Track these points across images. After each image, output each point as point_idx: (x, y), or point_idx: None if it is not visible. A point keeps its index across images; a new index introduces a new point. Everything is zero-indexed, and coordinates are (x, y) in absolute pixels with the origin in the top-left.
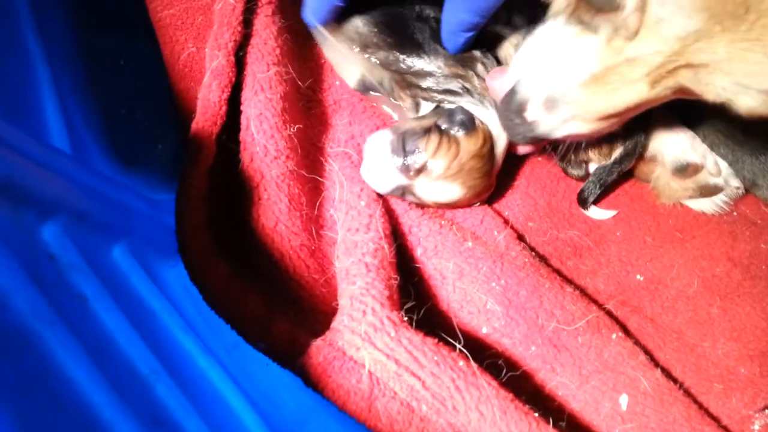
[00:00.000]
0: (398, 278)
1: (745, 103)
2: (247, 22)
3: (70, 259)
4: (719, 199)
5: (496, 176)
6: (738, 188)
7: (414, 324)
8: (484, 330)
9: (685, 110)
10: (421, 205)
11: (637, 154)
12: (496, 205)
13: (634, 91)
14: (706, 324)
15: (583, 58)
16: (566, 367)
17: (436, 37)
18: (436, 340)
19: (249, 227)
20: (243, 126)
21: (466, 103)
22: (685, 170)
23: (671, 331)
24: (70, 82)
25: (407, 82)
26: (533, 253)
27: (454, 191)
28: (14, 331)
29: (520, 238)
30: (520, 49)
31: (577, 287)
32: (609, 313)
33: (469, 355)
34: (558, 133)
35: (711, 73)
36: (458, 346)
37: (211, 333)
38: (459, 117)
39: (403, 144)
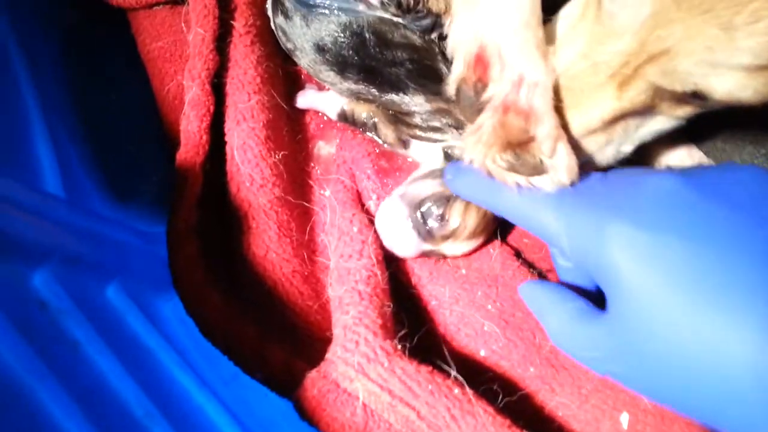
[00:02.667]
0: (392, 305)
1: (720, 86)
2: (225, 52)
3: (62, 305)
4: None
5: None
6: None
7: (408, 351)
8: (482, 353)
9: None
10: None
11: None
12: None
13: (602, 98)
14: None
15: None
16: (565, 387)
17: (412, 76)
18: (431, 368)
19: (241, 256)
20: (228, 156)
21: (455, 141)
22: None
23: None
24: (62, 120)
25: (393, 117)
26: (531, 270)
27: (479, 241)
28: (3, 386)
29: (517, 254)
30: None
31: None
32: None
33: (464, 381)
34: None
35: (672, 59)
36: (453, 372)
37: (208, 365)
38: None
39: (421, 215)
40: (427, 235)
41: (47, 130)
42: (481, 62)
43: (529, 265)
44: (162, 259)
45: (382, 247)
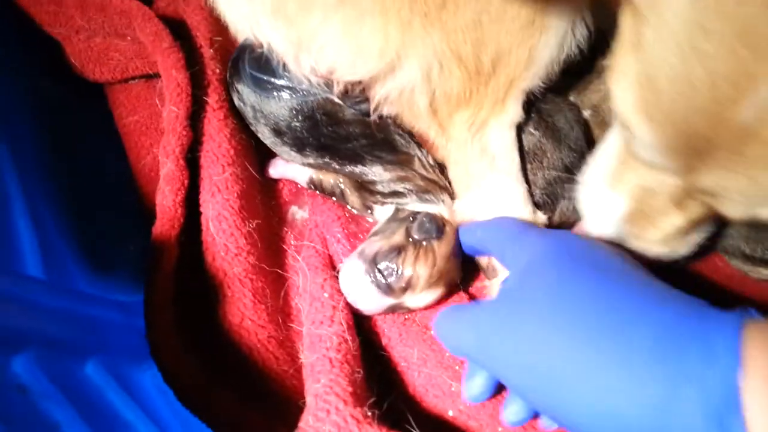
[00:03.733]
0: (362, 372)
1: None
2: (198, 127)
3: (42, 388)
4: None
5: None
6: None
7: (378, 418)
8: (450, 413)
9: None
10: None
11: None
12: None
13: (670, 215)
14: None
15: (617, 200)
16: None
17: (367, 149)
18: None
19: (217, 324)
20: (203, 227)
21: (416, 203)
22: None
23: None
24: (41, 192)
25: (358, 184)
26: None
27: (439, 292)
28: None
29: None
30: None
31: None
32: None
33: None
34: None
35: (719, 198)
36: None
37: None
38: (428, 225)
39: (377, 270)
40: (387, 288)
41: (27, 201)
42: None
43: None
44: (140, 330)
45: (353, 311)
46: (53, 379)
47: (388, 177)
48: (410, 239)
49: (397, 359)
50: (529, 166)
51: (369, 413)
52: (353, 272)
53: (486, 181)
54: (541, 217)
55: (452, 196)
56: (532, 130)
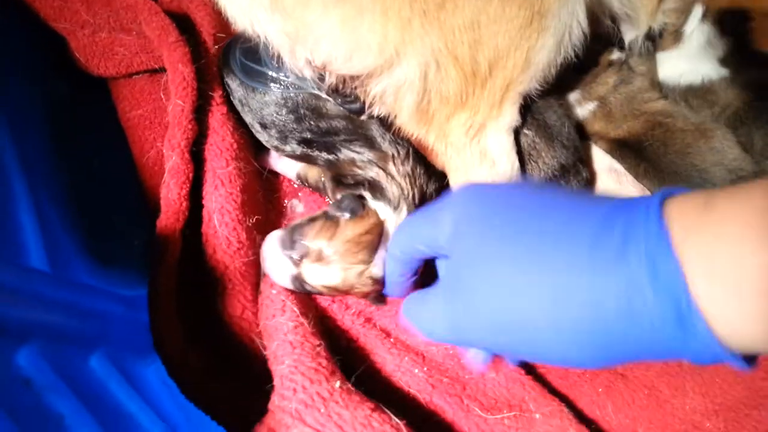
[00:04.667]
0: (323, 345)
1: None
2: (203, 120)
3: (46, 381)
4: None
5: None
6: None
7: (346, 392)
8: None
9: None
10: (320, 294)
11: None
12: None
13: None
14: (677, 377)
15: None
16: None
17: (347, 143)
18: (369, 412)
19: (218, 316)
20: (205, 219)
21: (370, 198)
22: None
23: (643, 387)
24: (46, 187)
25: (337, 180)
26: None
27: (334, 274)
28: None
29: None
30: None
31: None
32: (545, 383)
33: (402, 426)
34: None
35: None
36: (392, 417)
37: (192, 427)
38: (346, 202)
39: (291, 237)
40: (290, 256)
41: (31, 196)
42: None
43: None
44: (143, 324)
45: (302, 303)
46: (58, 372)
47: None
48: (327, 213)
49: (363, 340)
50: (527, 167)
51: (337, 386)
52: (271, 239)
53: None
54: None
55: (409, 209)
56: (525, 130)
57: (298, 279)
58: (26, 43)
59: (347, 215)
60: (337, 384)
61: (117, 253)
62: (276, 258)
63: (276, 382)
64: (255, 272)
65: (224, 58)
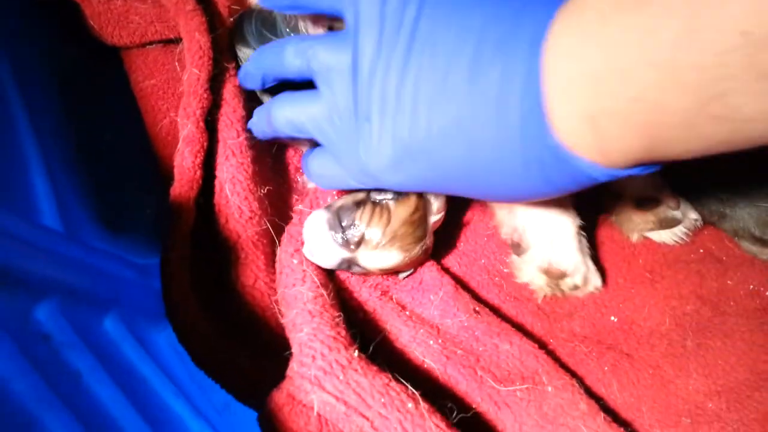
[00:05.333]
0: (342, 318)
1: None
2: (217, 91)
3: (64, 337)
4: (679, 230)
5: (433, 238)
6: (696, 220)
7: (364, 361)
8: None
9: None
10: (366, 274)
11: None
12: (437, 267)
13: None
14: (681, 358)
15: None
16: (507, 424)
17: None
18: (387, 381)
19: (230, 286)
20: (216, 189)
21: None
22: (646, 204)
23: (647, 366)
24: (58, 155)
25: None
26: (475, 308)
27: (393, 257)
28: (15, 416)
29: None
30: None
31: (527, 335)
32: (555, 358)
33: (418, 396)
34: None
35: None
36: (408, 387)
37: (202, 395)
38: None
39: (339, 220)
40: (343, 240)
41: (43, 163)
42: None
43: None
44: (155, 291)
45: (323, 274)
46: (75, 328)
47: None
48: (370, 197)
49: (380, 315)
50: None
51: (356, 355)
52: (316, 220)
53: None
54: None
55: None
56: None
57: (349, 263)
58: (39, 11)
59: (392, 198)
60: (356, 353)
61: (128, 221)
62: (324, 241)
63: (294, 349)
64: (267, 242)
65: (239, 28)
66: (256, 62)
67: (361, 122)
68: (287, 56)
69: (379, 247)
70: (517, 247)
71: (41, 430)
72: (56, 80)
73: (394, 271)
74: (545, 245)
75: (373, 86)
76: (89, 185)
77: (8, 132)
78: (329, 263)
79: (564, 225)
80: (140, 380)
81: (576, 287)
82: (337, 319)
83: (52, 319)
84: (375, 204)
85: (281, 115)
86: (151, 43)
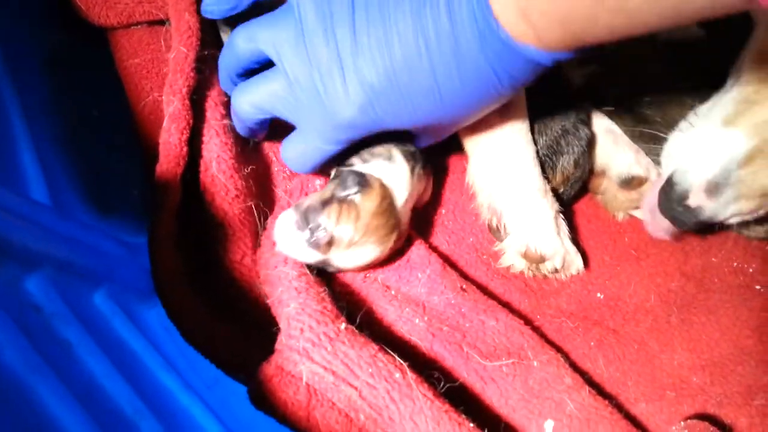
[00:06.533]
0: (327, 292)
1: None
2: (203, 72)
3: (55, 309)
4: None
5: (410, 223)
6: None
7: (351, 333)
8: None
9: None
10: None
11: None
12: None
13: None
14: (666, 333)
15: (737, 139)
16: (493, 399)
17: None
18: (374, 352)
19: (218, 262)
20: (202, 168)
21: (368, 163)
22: (630, 183)
23: (633, 342)
24: (46, 134)
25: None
26: (462, 285)
27: (369, 252)
28: (7, 383)
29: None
30: (667, 146)
31: (513, 311)
32: (541, 334)
33: (406, 367)
34: (722, 215)
35: None
36: (397, 358)
37: (192, 370)
38: (350, 180)
39: (306, 221)
40: (314, 243)
41: (32, 142)
42: None
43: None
44: (145, 269)
45: None
46: (65, 300)
47: None
48: (335, 195)
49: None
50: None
51: (342, 327)
52: (285, 222)
53: (495, 137)
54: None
55: (403, 153)
56: None
57: (324, 263)
58: None
59: (357, 192)
60: (343, 326)
61: (116, 201)
62: (294, 242)
63: (282, 324)
64: (253, 220)
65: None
66: (220, 63)
67: (325, 79)
68: (239, 45)
69: (353, 245)
70: (496, 232)
71: (32, 396)
72: (44, 60)
73: (370, 266)
74: (524, 230)
75: (328, 40)
76: (77, 164)
77: None
78: (305, 261)
79: (542, 209)
80: (130, 354)
81: (556, 270)
82: (323, 294)
83: (42, 291)
84: (342, 201)
85: (244, 101)
86: (137, 24)
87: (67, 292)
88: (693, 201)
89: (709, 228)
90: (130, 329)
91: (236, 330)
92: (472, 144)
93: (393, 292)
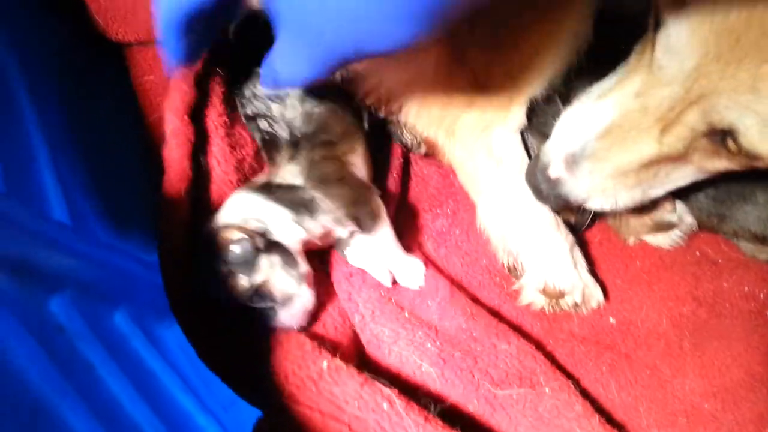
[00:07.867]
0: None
1: (748, 129)
2: (203, 89)
3: (78, 329)
4: (675, 234)
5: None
6: (691, 224)
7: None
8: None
9: None
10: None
11: None
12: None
13: (646, 140)
14: (678, 358)
15: (602, 112)
16: (502, 425)
17: None
18: (359, 385)
19: None
20: (212, 181)
21: None
22: (642, 208)
23: (645, 367)
24: (65, 153)
25: None
26: (472, 311)
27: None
28: (32, 403)
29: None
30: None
31: (523, 335)
32: (553, 359)
33: (393, 396)
34: (580, 190)
35: (709, 100)
36: (384, 388)
37: (208, 391)
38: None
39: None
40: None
41: (51, 162)
42: None
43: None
44: (161, 287)
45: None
46: (87, 321)
47: None
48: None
49: (370, 337)
50: None
51: (324, 368)
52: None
53: (495, 183)
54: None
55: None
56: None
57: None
58: (46, 10)
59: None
60: (324, 364)
61: (134, 219)
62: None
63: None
64: None
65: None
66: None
67: None
68: None
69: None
70: (513, 271)
71: (56, 417)
72: (63, 79)
73: None
74: (540, 266)
75: None
76: (95, 182)
77: (17, 128)
78: None
79: (556, 243)
80: (149, 374)
81: (576, 305)
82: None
83: (65, 312)
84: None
85: None
86: (154, 41)
87: (89, 312)
88: (553, 172)
89: (579, 213)
90: (149, 349)
91: (249, 350)
92: (476, 190)
93: (407, 314)
